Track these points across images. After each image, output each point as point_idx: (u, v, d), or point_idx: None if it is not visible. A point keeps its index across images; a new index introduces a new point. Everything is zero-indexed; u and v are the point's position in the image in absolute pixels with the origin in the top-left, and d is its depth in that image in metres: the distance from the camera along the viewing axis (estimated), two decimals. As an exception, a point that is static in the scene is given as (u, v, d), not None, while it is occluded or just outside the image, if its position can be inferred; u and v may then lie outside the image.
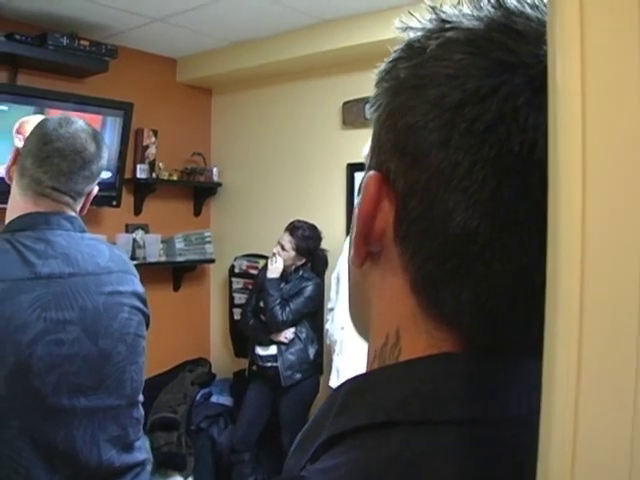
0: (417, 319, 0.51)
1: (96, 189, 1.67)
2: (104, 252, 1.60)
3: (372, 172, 0.52)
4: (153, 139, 4.55)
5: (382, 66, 0.55)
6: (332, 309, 3.67)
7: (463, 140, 0.46)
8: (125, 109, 4.11)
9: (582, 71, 0.29)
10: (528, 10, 0.49)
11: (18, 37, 3.54)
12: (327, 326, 3.71)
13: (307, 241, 3.85)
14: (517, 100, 0.45)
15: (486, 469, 0.45)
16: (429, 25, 0.52)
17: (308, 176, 4.47)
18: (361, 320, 0.60)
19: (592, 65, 0.29)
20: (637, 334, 0.28)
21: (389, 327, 0.53)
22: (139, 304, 1.62)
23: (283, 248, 3.85)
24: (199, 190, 4.98)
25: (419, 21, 0.53)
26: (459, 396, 0.47)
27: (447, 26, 0.50)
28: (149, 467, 1.70)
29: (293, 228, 3.87)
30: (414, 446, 0.46)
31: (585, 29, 0.29)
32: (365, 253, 0.54)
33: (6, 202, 1.60)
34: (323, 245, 3.97)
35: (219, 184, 4.96)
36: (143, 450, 1.65)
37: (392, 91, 0.52)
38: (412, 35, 0.53)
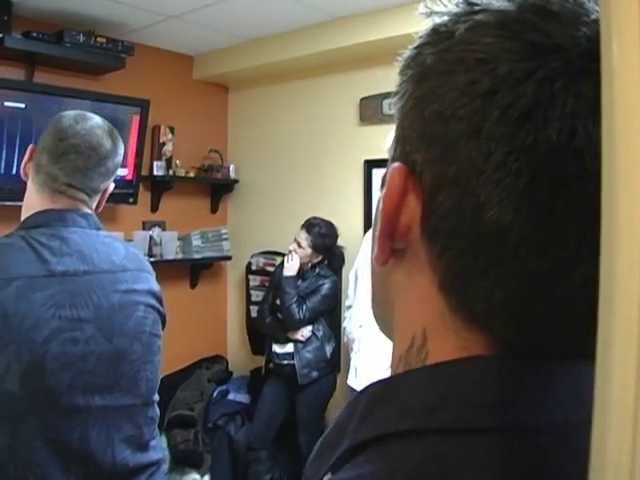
0: (445, 320, 0.48)
1: (112, 186, 1.66)
2: (119, 250, 1.59)
3: (396, 164, 0.49)
4: (170, 136, 4.55)
5: (406, 52, 0.52)
6: (350, 307, 3.65)
7: (495, 128, 0.43)
8: (142, 106, 4.11)
9: None
10: None
11: (35, 35, 3.54)
12: (345, 324, 3.69)
13: (324, 238, 3.83)
14: (554, 85, 0.42)
15: (519, 479, 0.42)
16: (456, 9, 0.49)
17: (325, 173, 4.45)
18: (385, 321, 0.57)
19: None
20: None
21: (415, 328, 0.50)
22: (154, 302, 1.61)
23: (299, 245, 3.83)
24: (216, 187, 4.97)
25: (445, 5, 0.50)
26: (490, 403, 0.44)
27: (476, 9, 0.47)
28: (164, 466, 1.68)
29: (309, 225, 3.85)
30: (442, 457, 0.43)
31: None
32: (389, 250, 0.51)
33: (22, 199, 1.59)
34: (340, 242, 3.94)
35: (236, 181, 4.95)
36: (158, 449, 1.64)
37: (418, 78, 0.49)
38: (438, 20, 0.50)
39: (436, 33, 0.49)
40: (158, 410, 1.64)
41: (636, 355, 0.27)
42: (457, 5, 0.49)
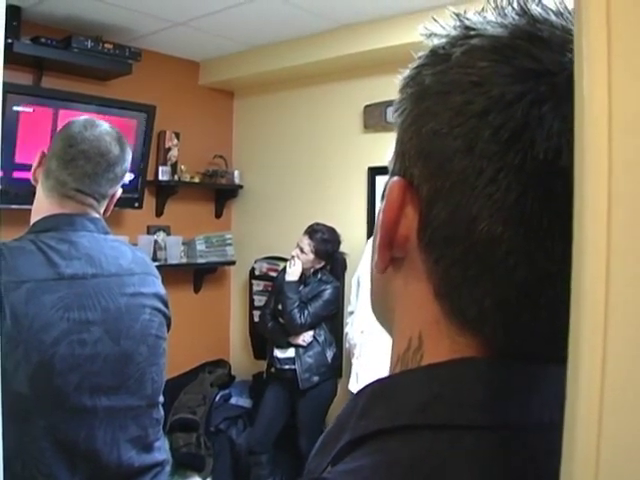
0: (440, 325, 0.51)
1: (120, 191, 1.68)
2: (127, 254, 1.62)
3: (396, 178, 0.53)
4: (175, 141, 4.58)
5: (406, 72, 0.55)
6: (352, 312, 3.67)
7: (487, 147, 0.46)
8: (148, 111, 4.14)
9: (609, 81, 0.29)
10: (552, 17, 0.49)
11: (43, 40, 3.58)
12: (347, 330, 3.71)
13: (326, 244, 3.85)
14: (542, 107, 0.45)
15: (507, 474, 0.45)
16: (453, 32, 0.52)
17: (329, 179, 4.47)
18: (385, 323, 0.61)
19: (619, 74, 0.29)
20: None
21: (412, 332, 0.53)
22: (160, 306, 1.64)
23: (302, 251, 3.85)
24: (220, 192, 5.00)
25: (443, 27, 0.53)
26: (481, 401, 0.47)
27: (471, 33, 0.51)
28: (168, 468, 1.71)
29: (312, 231, 3.87)
30: (436, 450, 0.46)
31: (612, 38, 0.29)
32: (389, 259, 0.54)
33: (31, 203, 1.62)
34: (343, 248, 3.97)
35: (240, 186, 4.98)
36: (162, 451, 1.66)
37: (416, 97, 0.52)
38: (436, 41, 0.53)
39: (434, 55, 0.52)
40: (163, 412, 1.67)
41: (601, 355, 0.30)
42: (455, 28, 0.52)
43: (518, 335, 0.49)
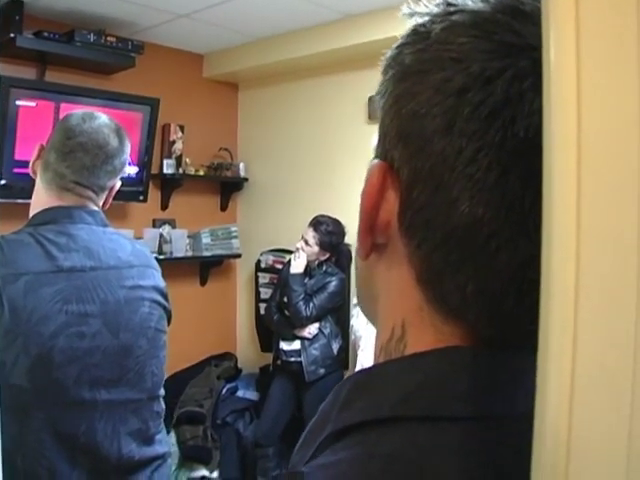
0: (423, 312, 0.50)
1: (119, 184, 1.68)
2: (126, 246, 1.61)
3: (376, 161, 0.52)
4: (180, 134, 4.57)
5: (388, 52, 0.54)
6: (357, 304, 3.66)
7: (467, 125, 0.45)
8: (152, 105, 4.14)
9: (577, 52, 0.28)
10: None
11: (46, 34, 3.58)
12: (352, 321, 3.70)
13: (330, 236, 3.84)
14: (523, 83, 0.44)
15: (490, 467, 0.44)
16: (435, 9, 0.51)
17: (334, 171, 4.46)
18: (370, 313, 0.59)
19: (587, 46, 0.28)
20: (634, 330, 0.27)
21: (395, 321, 0.52)
22: (160, 298, 1.63)
23: (307, 243, 3.84)
24: (226, 185, 5.00)
25: (426, 6, 0.52)
26: (464, 392, 0.46)
27: (452, 9, 0.49)
28: (170, 460, 1.71)
29: (317, 223, 3.86)
30: (417, 443, 0.45)
31: (580, 8, 0.28)
32: (370, 245, 0.53)
33: (30, 197, 1.62)
34: (349, 240, 3.96)
35: (245, 179, 4.97)
36: (164, 443, 1.66)
37: (397, 77, 0.51)
38: (419, 20, 0.52)
39: (415, 33, 0.51)
40: (164, 404, 1.67)
41: (571, 343, 0.28)
42: (437, 6, 0.51)
43: (502, 323, 0.47)
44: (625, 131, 0.28)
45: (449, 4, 0.50)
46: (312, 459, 0.49)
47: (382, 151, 0.52)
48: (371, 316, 0.59)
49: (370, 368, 0.52)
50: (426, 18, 0.51)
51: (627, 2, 0.27)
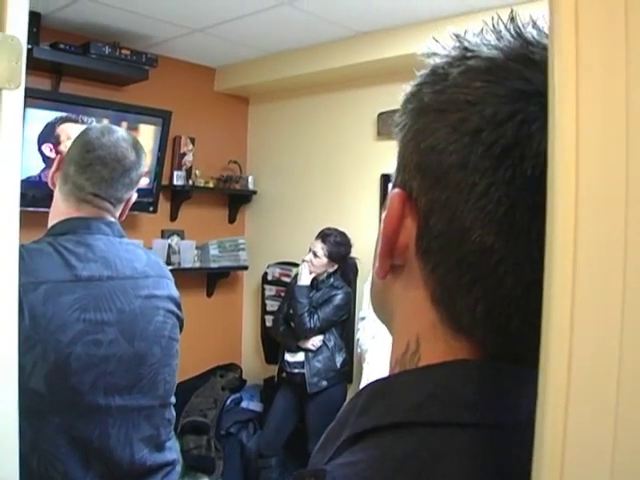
0: (436, 329, 0.54)
1: (135, 196, 1.72)
2: (141, 257, 1.65)
3: (396, 190, 0.56)
4: (190, 146, 4.62)
5: (408, 88, 0.58)
6: (363, 318, 3.69)
7: (480, 162, 0.50)
8: (164, 117, 4.19)
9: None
10: (545, 40, 0.52)
11: (62, 46, 3.64)
12: (358, 335, 3.73)
13: (339, 247, 3.88)
14: (531, 126, 0.49)
15: (494, 471, 0.48)
16: (452, 52, 0.56)
17: (342, 186, 4.50)
18: (386, 323, 0.64)
19: (585, 76, 0.33)
20: (618, 352, 0.32)
21: (410, 336, 0.57)
22: (174, 308, 1.67)
23: (315, 255, 3.87)
24: (234, 198, 5.04)
25: (443, 48, 0.57)
26: (472, 401, 0.50)
27: (468, 54, 0.54)
28: (178, 467, 1.74)
29: (324, 235, 3.90)
30: (429, 446, 0.49)
31: (580, 44, 0.32)
32: (389, 266, 0.57)
33: (49, 206, 1.66)
34: (356, 255, 3.99)
35: (254, 192, 5.01)
36: (173, 450, 1.69)
37: (416, 113, 0.56)
38: (437, 60, 0.56)
39: (434, 74, 0.56)
40: (174, 412, 1.70)
41: (567, 360, 0.33)
42: (454, 49, 0.56)
43: (509, 339, 0.52)
44: (618, 173, 0.32)
45: (465, 49, 0.55)
46: (330, 461, 0.53)
47: (402, 180, 0.57)
48: (387, 324, 0.64)
49: (386, 378, 0.56)
50: (444, 60, 0.56)
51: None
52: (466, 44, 0.55)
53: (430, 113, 0.54)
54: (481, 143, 0.50)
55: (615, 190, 0.32)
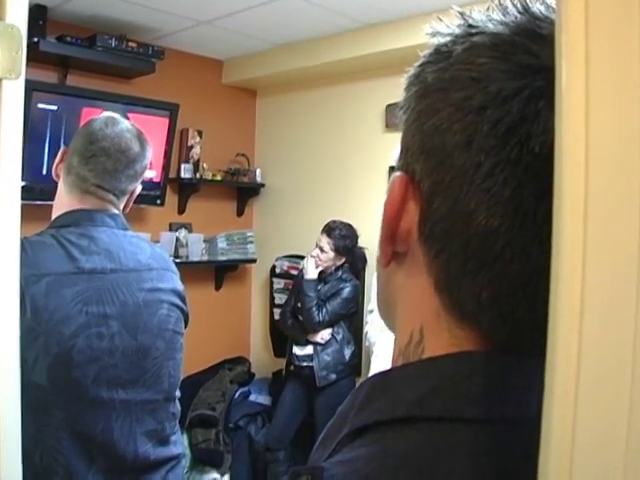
0: (440, 318, 0.52)
1: (139, 188, 1.70)
2: (145, 249, 1.64)
3: (398, 173, 0.54)
4: (198, 139, 4.61)
5: (411, 70, 0.56)
6: (372, 311, 3.67)
7: (485, 142, 0.47)
8: (171, 110, 4.18)
9: (586, 76, 0.30)
10: (553, 15, 0.50)
11: (69, 39, 3.63)
12: (366, 328, 3.72)
13: (345, 239, 3.86)
14: (538, 102, 0.46)
15: (499, 468, 0.46)
16: (457, 30, 0.53)
17: (350, 178, 4.48)
18: (389, 318, 0.61)
19: (595, 71, 0.30)
20: (632, 338, 0.29)
21: (413, 326, 0.54)
22: (178, 301, 1.66)
23: (322, 250, 3.86)
24: (242, 190, 5.03)
25: (447, 26, 0.54)
26: (477, 395, 0.48)
27: (473, 31, 0.52)
28: (184, 461, 1.73)
29: (329, 229, 3.88)
30: (431, 442, 0.47)
31: (590, 35, 0.30)
32: (391, 253, 0.55)
33: (52, 199, 1.65)
34: (362, 244, 3.96)
35: (262, 185, 5.00)
36: (179, 444, 1.68)
37: (419, 94, 0.54)
38: (440, 40, 0.54)
39: (437, 53, 0.53)
40: (179, 406, 1.69)
41: (576, 348, 0.30)
42: (458, 27, 0.53)
43: (516, 328, 0.49)
44: (627, 149, 0.30)
45: (470, 25, 0.52)
46: (330, 457, 0.51)
47: (404, 164, 0.54)
48: (389, 320, 0.61)
49: (387, 371, 0.54)
50: (448, 38, 0.53)
51: (632, 31, 0.29)
52: (470, 21, 0.53)
53: (433, 93, 0.52)
54: (486, 121, 0.47)
55: (628, 168, 0.30)
